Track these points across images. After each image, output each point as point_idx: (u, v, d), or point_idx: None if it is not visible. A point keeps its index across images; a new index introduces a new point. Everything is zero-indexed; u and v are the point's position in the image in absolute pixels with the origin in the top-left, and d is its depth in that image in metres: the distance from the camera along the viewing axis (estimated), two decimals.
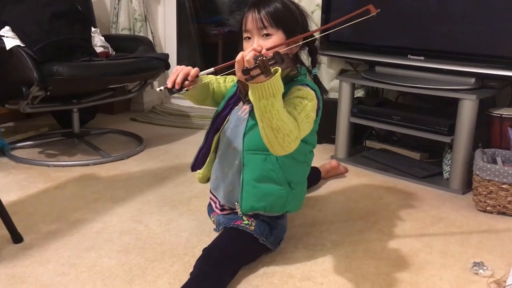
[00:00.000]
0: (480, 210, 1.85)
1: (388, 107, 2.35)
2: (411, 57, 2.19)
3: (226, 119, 1.51)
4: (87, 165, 2.27)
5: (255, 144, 1.39)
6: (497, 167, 1.79)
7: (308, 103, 1.32)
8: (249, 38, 1.38)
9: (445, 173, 2.14)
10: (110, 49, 2.64)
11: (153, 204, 1.88)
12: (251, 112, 1.41)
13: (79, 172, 2.19)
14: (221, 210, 1.57)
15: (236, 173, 1.45)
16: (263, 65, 1.06)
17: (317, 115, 1.39)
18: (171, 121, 3.08)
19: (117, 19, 3.09)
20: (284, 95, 1.32)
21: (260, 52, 1.18)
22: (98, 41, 2.59)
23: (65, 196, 1.93)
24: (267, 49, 1.24)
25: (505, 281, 1.34)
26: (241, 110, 1.47)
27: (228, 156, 1.48)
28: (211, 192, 1.63)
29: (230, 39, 4.06)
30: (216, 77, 1.60)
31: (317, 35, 1.47)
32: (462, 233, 1.69)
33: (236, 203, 1.46)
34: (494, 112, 2.04)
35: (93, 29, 2.60)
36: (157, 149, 2.55)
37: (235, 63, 1.18)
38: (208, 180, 1.62)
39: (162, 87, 1.38)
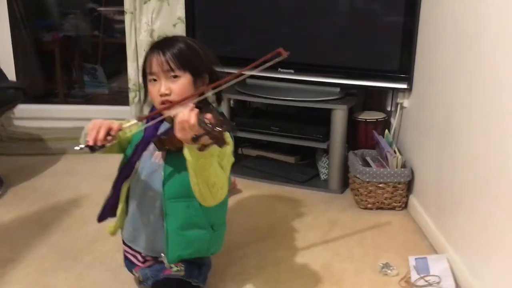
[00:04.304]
0: (362, 208, 2.10)
1: (264, 118, 2.47)
2: (282, 70, 2.33)
3: (136, 166, 1.44)
4: None
5: (176, 192, 1.36)
6: (374, 169, 2.04)
7: (227, 147, 1.33)
8: (155, 80, 1.34)
9: (322, 175, 2.35)
10: None
11: (50, 259, 1.70)
12: (167, 159, 1.37)
13: None
14: (143, 262, 1.50)
15: (157, 222, 1.41)
16: (217, 136, 1.04)
17: None
18: (23, 149, 2.73)
19: None
20: None
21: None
22: None
23: None
24: (178, 102, 1.26)
25: (410, 277, 1.58)
26: (154, 157, 1.42)
27: (145, 206, 1.42)
28: (125, 245, 1.53)
29: (67, 45, 3.75)
30: (119, 122, 1.50)
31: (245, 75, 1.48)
32: (356, 233, 1.90)
33: (162, 254, 1.42)
34: (359, 117, 2.31)
35: None
36: (22, 187, 2.27)
37: (177, 123, 1.14)
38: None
39: (82, 145, 1.24)
